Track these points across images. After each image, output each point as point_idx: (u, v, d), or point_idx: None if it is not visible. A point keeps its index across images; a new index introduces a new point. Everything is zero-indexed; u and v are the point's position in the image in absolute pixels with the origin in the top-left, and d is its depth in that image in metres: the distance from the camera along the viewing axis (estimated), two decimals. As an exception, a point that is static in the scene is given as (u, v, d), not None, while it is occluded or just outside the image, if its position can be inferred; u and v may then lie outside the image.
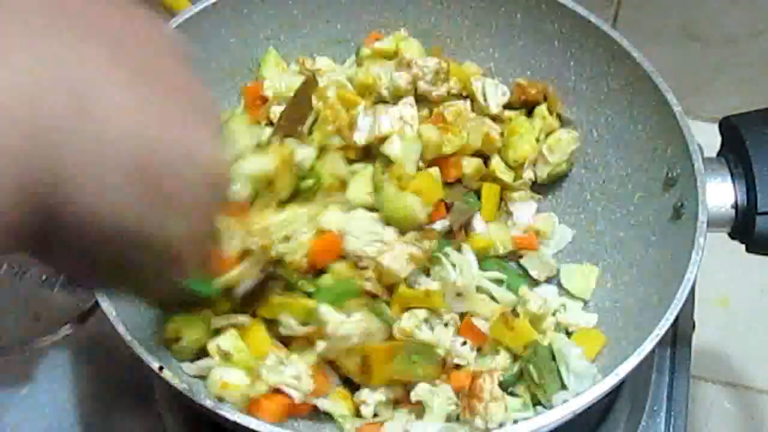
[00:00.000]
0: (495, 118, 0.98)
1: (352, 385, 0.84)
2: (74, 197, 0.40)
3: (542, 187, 1.00)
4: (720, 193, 0.84)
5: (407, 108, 0.92)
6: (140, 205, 0.42)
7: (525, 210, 0.99)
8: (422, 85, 0.94)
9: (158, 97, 0.43)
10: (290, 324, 0.81)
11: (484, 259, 0.91)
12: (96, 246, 0.42)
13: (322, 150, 0.88)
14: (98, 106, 0.40)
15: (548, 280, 0.96)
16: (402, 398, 0.84)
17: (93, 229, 0.41)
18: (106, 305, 0.77)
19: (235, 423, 0.73)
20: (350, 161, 0.91)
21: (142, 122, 0.41)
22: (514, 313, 0.87)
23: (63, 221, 0.40)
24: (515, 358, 0.86)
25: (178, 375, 0.75)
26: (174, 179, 0.43)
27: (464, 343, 0.85)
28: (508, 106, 0.99)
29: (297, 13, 1.00)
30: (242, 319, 0.82)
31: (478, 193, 0.96)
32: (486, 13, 1.00)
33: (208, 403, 0.73)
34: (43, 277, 1.10)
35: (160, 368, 0.74)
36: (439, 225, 0.90)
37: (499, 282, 0.90)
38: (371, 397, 0.82)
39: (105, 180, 0.40)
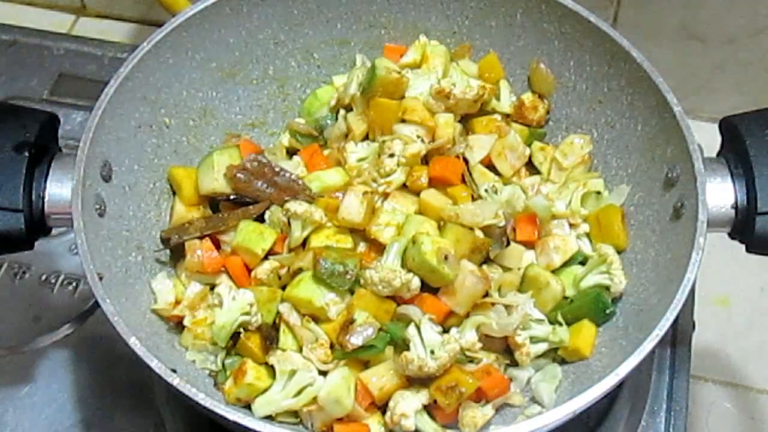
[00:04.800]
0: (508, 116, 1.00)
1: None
2: None
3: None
4: (720, 193, 0.84)
5: None
6: None
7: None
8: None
9: None
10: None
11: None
12: None
13: None
14: None
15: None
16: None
17: None
18: (106, 305, 0.77)
19: (234, 423, 0.73)
20: None
21: None
22: None
23: None
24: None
25: (177, 374, 0.75)
26: None
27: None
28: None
29: (297, 13, 1.00)
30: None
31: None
32: (486, 13, 1.00)
33: (208, 402, 0.73)
34: (43, 277, 1.10)
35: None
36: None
37: None
38: (410, 408, 0.82)
39: None
